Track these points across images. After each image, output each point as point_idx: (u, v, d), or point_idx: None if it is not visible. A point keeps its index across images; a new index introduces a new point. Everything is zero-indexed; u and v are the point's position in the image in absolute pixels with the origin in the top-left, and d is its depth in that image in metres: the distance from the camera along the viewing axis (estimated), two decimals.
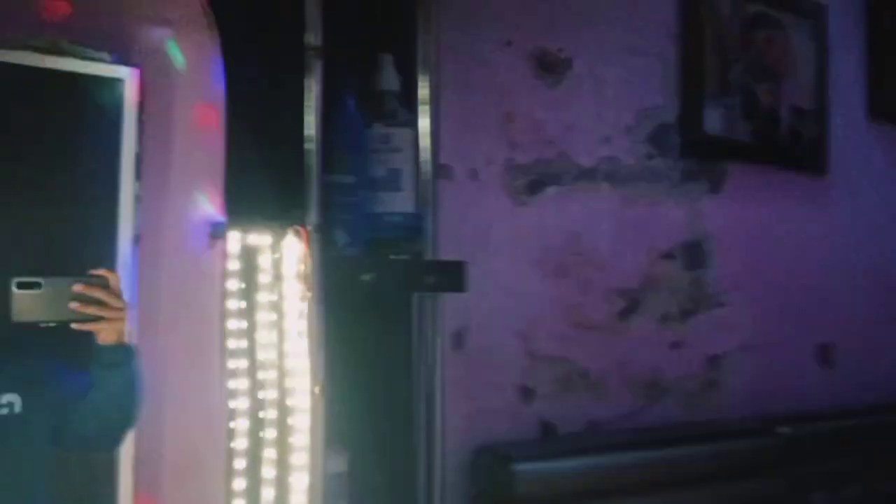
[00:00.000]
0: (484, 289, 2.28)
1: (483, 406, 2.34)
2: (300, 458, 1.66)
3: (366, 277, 1.79)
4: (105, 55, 1.80)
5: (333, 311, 1.75)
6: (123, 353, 1.42)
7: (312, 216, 1.73)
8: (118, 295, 1.39)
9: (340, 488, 1.89)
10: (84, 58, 1.78)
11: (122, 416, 1.48)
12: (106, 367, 1.41)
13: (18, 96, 1.72)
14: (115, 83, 1.79)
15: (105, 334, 1.39)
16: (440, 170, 2.15)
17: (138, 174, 1.84)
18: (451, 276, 1.89)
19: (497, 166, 2.47)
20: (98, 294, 1.37)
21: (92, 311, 1.37)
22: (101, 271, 1.40)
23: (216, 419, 1.85)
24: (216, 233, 2.01)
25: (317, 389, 1.66)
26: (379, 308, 1.93)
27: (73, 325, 1.37)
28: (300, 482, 1.65)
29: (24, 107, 1.74)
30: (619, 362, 2.62)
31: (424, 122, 2.02)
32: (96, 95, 1.79)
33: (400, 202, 1.97)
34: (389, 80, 2.02)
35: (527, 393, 2.46)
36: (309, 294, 1.69)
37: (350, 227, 1.85)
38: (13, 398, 1.40)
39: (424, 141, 2.02)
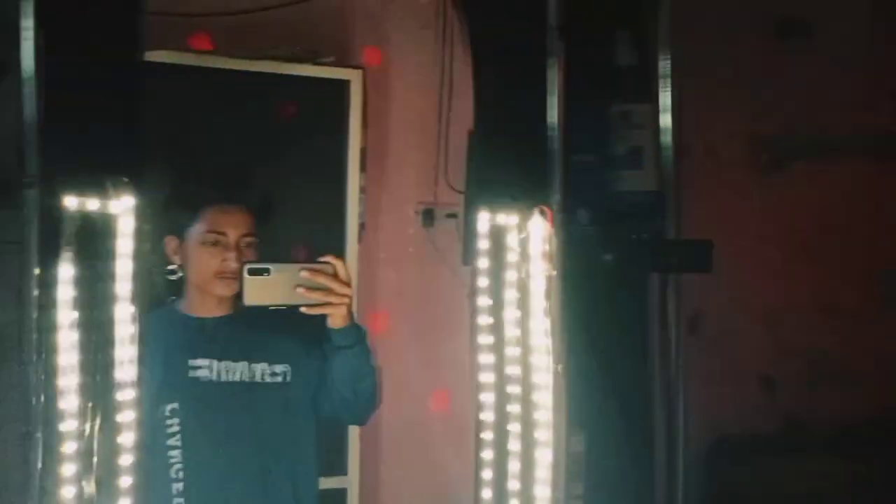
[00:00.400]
0: (724, 271, 2.16)
1: (722, 395, 2.24)
2: (543, 434, 1.68)
3: (607, 257, 1.76)
4: (332, 59, 1.96)
5: (575, 289, 1.74)
6: (353, 336, 1.48)
7: (556, 195, 1.73)
8: (344, 280, 1.43)
9: (578, 468, 1.90)
10: (315, 63, 1.95)
11: (356, 395, 1.54)
12: (336, 349, 1.48)
13: (260, 100, 1.94)
14: (342, 84, 1.96)
15: (333, 318, 1.45)
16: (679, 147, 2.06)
17: (363, 166, 1.98)
18: (697, 256, 1.80)
19: (738, 141, 2.33)
20: (322, 280, 1.41)
21: (317, 296, 1.41)
22: (327, 258, 1.44)
23: (456, 393, 1.94)
24: (428, 218, 2.11)
25: (559, 368, 1.66)
26: (619, 288, 1.90)
27: (302, 309, 1.42)
28: (544, 457, 1.67)
29: (265, 109, 1.95)
30: (877, 355, 2.38)
31: (665, 98, 1.95)
32: (325, 96, 1.96)
33: (641, 180, 1.92)
34: (627, 55, 1.97)
35: (770, 383, 2.31)
36: (553, 272, 1.69)
37: (592, 206, 1.83)
38: (285, 368, 1.55)
39: (664, 117, 1.94)
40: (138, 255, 1.58)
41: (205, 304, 1.57)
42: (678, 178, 1.93)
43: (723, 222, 2.25)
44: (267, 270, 1.41)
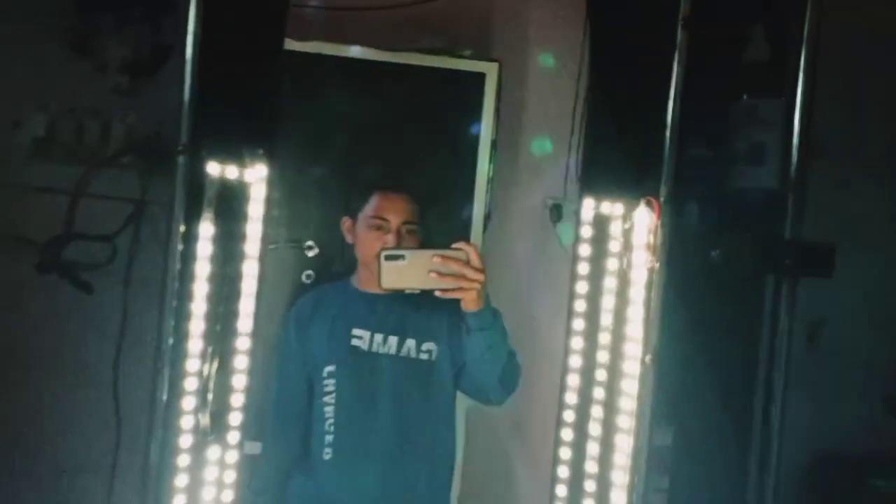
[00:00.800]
0: (848, 280, 2.04)
1: (835, 411, 2.11)
2: (625, 422, 1.68)
3: (714, 253, 1.72)
4: (470, 52, 2.02)
5: (678, 284, 1.72)
6: (486, 320, 1.54)
7: (665, 188, 1.71)
8: (476, 267, 1.48)
9: (664, 462, 1.88)
10: (454, 56, 2.02)
11: (487, 376, 1.61)
12: (470, 331, 1.56)
13: (403, 90, 2.02)
14: (477, 77, 2.01)
15: (466, 302, 1.52)
16: (812, 148, 1.97)
17: (492, 158, 2.02)
18: (816, 260, 1.71)
19: (880, 145, 2.18)
20: (455, 266, 1.47)
21: (449, 281, 1.47)
22: (460, 244, 1.51)
23: (549, 373, 1.97)
24: (557, 213, 2.12)
25: (647, 359, 1.66)
26: (727, 286, 1.85)
27: (437, 293, 1.49)
28: (623, 444, 1.68)
29: (406, 99, 2.03)
30: None
31: (800, 94, 1.85)
32: (462, 88, 2.02)
33: (762, 178, 1.85)
34: (759, 50, 1.90)
35: (892, 403, 2.15)
36: (656, 265, 1.69)
37: (704, 202, 1.79)
38: (431, 346, 1.68)
39: (797, 114, 1.85)
40: (267, 220, 1.76)
41: (370, 281, 1.70)
42: (803, 179, 1.84)
43: (852, 229, 2.12)
44: (402, 256, 1.49)
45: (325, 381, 1.68)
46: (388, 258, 1.50)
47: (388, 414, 1.65)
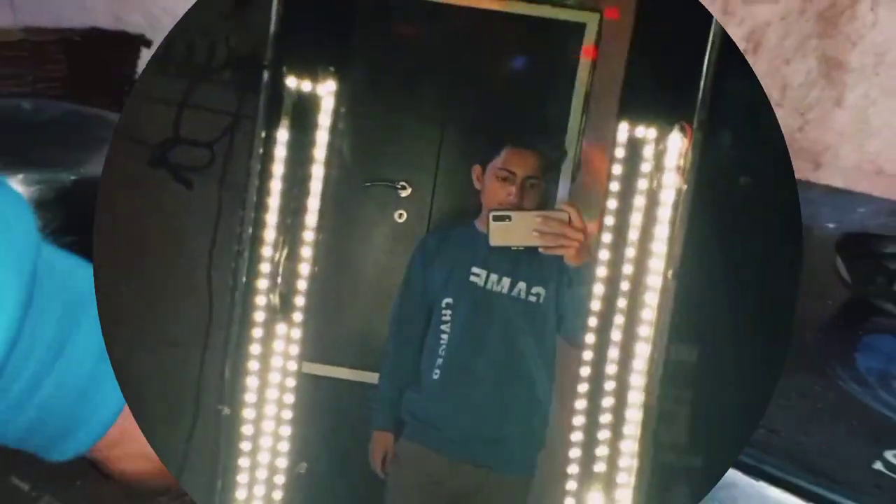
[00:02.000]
0: None
1: None
2: (645, 331, 1.82)
3: (742, 180, 1.81)
4: (574, 2, 2.03)
5: (706, 207, 1.82)
6: (587, 274, 1.71)
7: (699, 115, 1.80)
8: (576, 226, 1.63)
9: (687, 378, 1.99)
10: (555, 4, 2.04)
11: (579, 322, 1.79)
12: (571, 283, 1.73)
13: (502, 37, 2.08)
14: (578, 27, 2.01)
15: (568, 257, 1.67)
16: None
17: (585, 109, 2.05)
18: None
19: None
20: (555, 225, 1.62)
21: (549, 239, 1.62)
22: (563, 205, 1.66)
23: None
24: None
25: (670, 274, 1.77)
26: (755, 213, 1.92)
27: (540, 249, 1.65)
28: (643, 351, 1.82)
29: (504, 45, 2.09)
30: None
31: None
32: (561, 38, 2.03)
33: None
34: None
35: None
36: (684, 186, 1.79)
37: (736, 130, 1.86)
38: (540, 290, 1.83)
39: None
40: (333, 130, 2.00)
41: None
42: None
43: None
44: (508, 217, 1.65)
45: (444, 311, 1.85)
46: (495, 218, 1.64)
47: (496, 344, 1.81)
